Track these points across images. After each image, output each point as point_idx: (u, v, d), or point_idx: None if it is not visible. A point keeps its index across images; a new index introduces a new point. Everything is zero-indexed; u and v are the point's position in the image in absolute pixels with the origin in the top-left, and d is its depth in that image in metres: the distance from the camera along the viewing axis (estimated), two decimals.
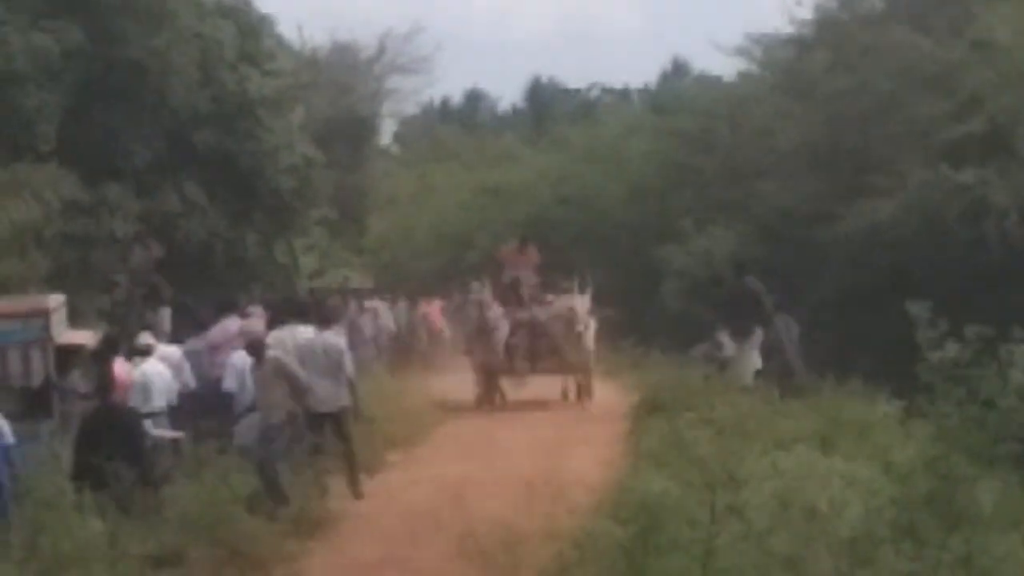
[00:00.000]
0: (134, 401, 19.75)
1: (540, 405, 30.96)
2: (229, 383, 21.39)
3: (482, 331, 31.42)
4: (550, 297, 32.37)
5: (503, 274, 33.61)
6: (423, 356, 39.61)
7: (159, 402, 20.54)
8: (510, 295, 32.48)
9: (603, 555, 12.83)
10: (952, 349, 11.27)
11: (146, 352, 21.21)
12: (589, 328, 30.50)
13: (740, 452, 14.48)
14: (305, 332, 22.10)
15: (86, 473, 16.27)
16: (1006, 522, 12.00)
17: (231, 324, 23.55)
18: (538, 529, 14.57)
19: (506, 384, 31.90)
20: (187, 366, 22.04)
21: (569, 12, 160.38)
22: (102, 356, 19.06)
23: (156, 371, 20.83)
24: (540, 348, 31.45)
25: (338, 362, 21.71)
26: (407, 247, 52.83)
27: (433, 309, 41.70)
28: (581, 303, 30.77)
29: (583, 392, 31.16)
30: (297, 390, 19.91)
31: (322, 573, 17.70)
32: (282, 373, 19.93)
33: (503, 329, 31.38)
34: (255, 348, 20.31)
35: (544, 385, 31.65)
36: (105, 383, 17.98)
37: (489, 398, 31.42)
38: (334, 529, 20.02)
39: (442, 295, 43.98)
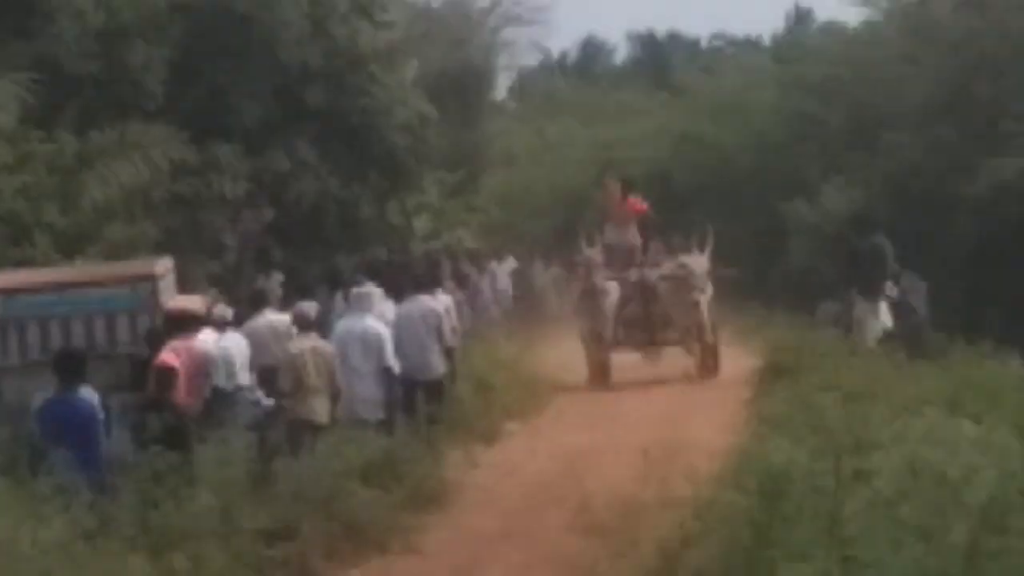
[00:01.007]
0: (218, 378, 19.93)
1: (660, 381, 29.08)
2: None
3: (588, 297, 29.05)
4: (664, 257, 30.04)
5: (606, 232, 30.93)
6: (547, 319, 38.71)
7: (242, 377, 20.49)
8: (616, 257, 29.91)
9: (726, 524, 12.79)
10: None
11: (225, 325, 21.23)
12: (707, 292, 28.27)
13: (867, 416, 14.68)
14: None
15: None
16: None
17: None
18: (658, 499, 14.44)
19: (616, 360, 29.52)
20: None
21: None
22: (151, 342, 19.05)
23: (236, 344, 20.76)
24: (654, 317, 29.22)
25: (435, 327, 22.30)
26: (523, 206, 52.96)
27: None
28: (698, 263, 28.59)
29: (705, 368, 28.92)
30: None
31: (439, 547, 17.76)
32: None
33: (613, 295, 28.85)
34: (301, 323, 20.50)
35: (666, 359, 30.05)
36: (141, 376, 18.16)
37: (601, 375, 28.99)
38: (451, 501, 20.17)
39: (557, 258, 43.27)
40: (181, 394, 18.21)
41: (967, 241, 29.46)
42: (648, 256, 29.95)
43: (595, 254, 29.98)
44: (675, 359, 29.63)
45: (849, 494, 11.70)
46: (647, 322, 29.14)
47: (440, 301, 23.70)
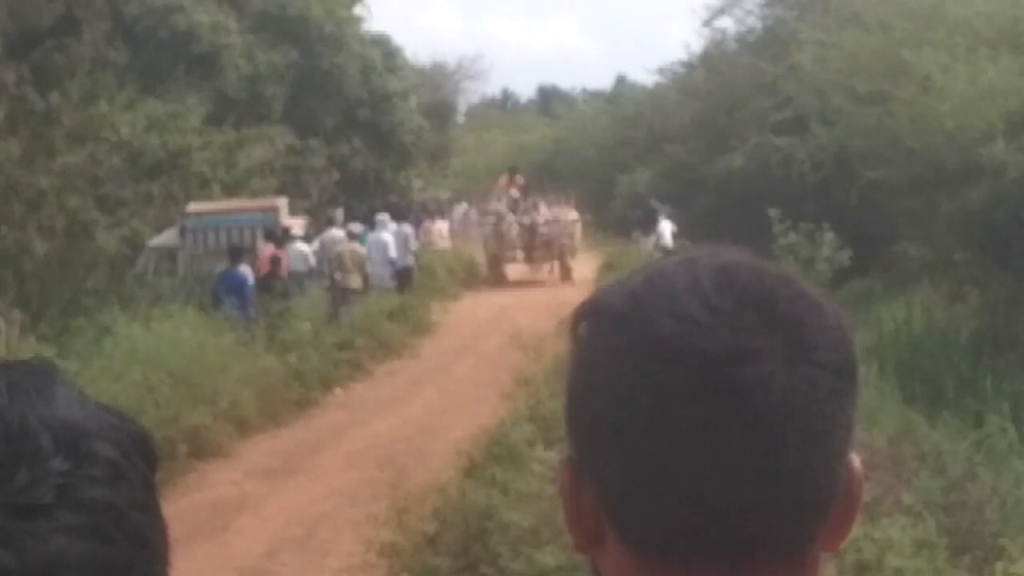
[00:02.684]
0: (294, 264, 21.79)
1: (538, 281, 30.25)
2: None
3: (497, 232, 31.06)
4: (545, 208, 32.10)
5: (500, 193, 33.66)
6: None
7: (300, 266, 22.17)
8: (512, 207, 31.81)
9: None
10: None
11: (293, 237, 22.88)
12: (573, 230, 30.77)
13: None
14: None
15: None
16: None
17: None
18: (554, 330, 16.60)
19: (509, 269, 31.61)
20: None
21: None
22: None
23: (298, 248, 22.53)
24: (535, 243, 31.03)
25: (405, 239, 25.39)
26: (469, 178, 57.15)
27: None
28: (567, 212, 31.35)
29: (565, 272, 30.59)
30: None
31: (428, 354, 20.60)
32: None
33: (513, 231, 30.95)
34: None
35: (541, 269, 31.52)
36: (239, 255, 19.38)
37: (497, 277, 31.10)
38: (434, 331, 22.92)
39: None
40: (283, 271, 20.57)
41: (710, 204, 31.36)
42: (527, 205, 31.98)
43: (502, 207, 32.21)
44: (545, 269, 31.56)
45: None
46: (530, 247, 31.22)
47: (406, 227, 26.46)
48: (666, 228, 28.23)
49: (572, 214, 31.07)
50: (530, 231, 30.93)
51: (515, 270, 31.65)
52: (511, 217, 31.15)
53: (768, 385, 1.08)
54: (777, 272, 1.16)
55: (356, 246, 22.57)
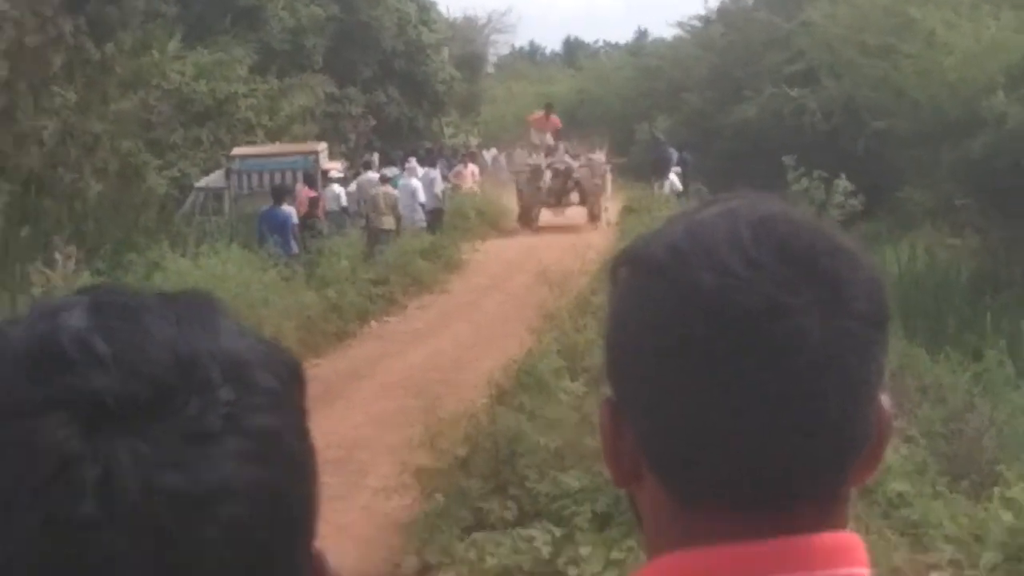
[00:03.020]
0: (328, 205, 21.91)
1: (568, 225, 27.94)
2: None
3: (532, 183, 28.51)
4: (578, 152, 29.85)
5: (532, 135, 31.23)
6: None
7: (333, 206, 22.33)
8: (548, 152, 29.41)
9: None
10: None
11: (331, 179, 23.22)
12: (606, 174, 28.55)
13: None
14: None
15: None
16: None
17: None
18: (579, 269, 15.00)
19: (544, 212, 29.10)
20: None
21: None
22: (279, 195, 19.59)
23: (332, 190, 22.72)
24: (568, 188, 28.91)
25: (431, 182, 24.93)
26: (498, 125, 56.34)
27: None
28: (598, 157, 29.00)
29: (593, 217, 28.44)
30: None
31: (458, 290, 20.36)
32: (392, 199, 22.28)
33: (547, 176, 28.42)
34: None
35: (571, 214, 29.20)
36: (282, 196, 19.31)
37: (529, 221, 28.52)
38: (464, 268, 22.54)
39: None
40: (321, 211, 20.74)
41: (726, 151, 31.18)
42: (559, 151, 29.59)
43: (539, 159, 29.59)
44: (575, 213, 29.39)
45: None
46: (561, 192, 28.90)
47: (432, 172, 26.06)
48: (673, 175, 28.07)
49: (602, 158, 28.94)
50: (563, 176, 28.79)
51: (544, 215, 29.71)
52: (547, 170, 28.64)
53: (806, 339, 1.07)
54: (814, 224, 1.15)
55: (389, 189, 22.55)
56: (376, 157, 26.13)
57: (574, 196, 28.72)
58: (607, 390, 1.18)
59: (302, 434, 0.92)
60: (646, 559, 1.18)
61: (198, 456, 0.84)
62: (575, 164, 28.65)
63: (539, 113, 31.60)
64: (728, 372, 1.08)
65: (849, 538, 1.13)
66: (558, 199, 29.01)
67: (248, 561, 0.86)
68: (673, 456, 1.12)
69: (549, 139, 29.89)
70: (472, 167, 33.02)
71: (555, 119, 30.94)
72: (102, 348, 0.86)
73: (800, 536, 1.11)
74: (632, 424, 1.14)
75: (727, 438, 1.09)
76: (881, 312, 1.13)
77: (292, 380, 0.93)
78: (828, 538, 1.11)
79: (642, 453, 1.14)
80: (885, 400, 1.14)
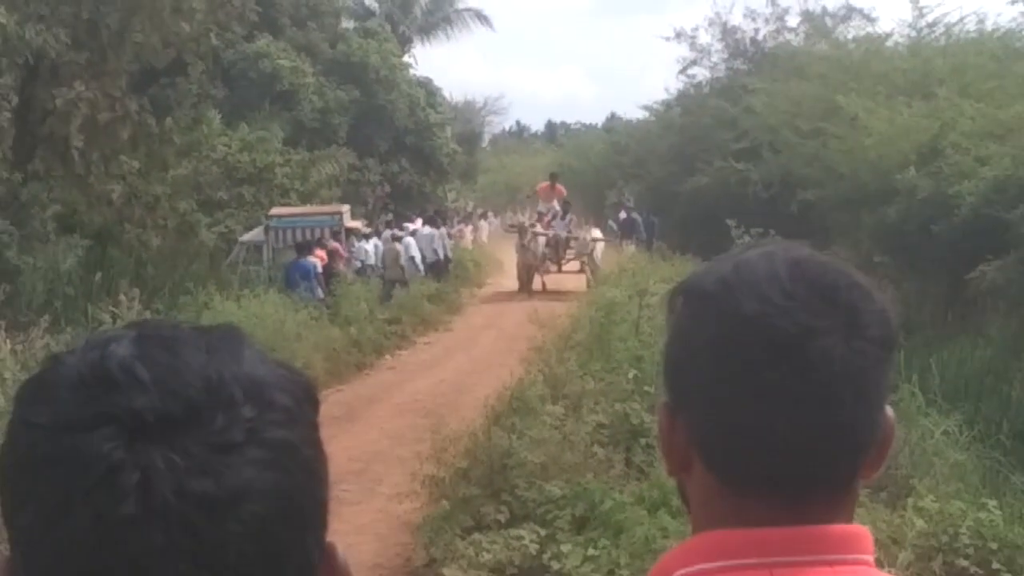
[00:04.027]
0: (361, 259, 22.06)
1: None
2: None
3: (521, 244, 25.68)
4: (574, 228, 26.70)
5: (539, 203, 28.99)
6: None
7: (367, 260, 22.60)
8: (543, 220, 26.93)
9: (591, 323, 12.94)
10: None
11: (360, 236, 23.21)
12: (597, 248, 25.40)
13: (645, 274, 16.07)
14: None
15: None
16: None
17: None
18: (566, 314, 15.23)
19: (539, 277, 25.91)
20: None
21: None
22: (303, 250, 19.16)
23: (364, 247, 22.96)
24: (560, 254, 26.16)
25: (433, 239, 24.44)
26: (494, 193, 57.03)
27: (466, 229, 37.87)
28: (591, 232, 25.94)
29: (587, 280, 23.74)
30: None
31: (459, 329, 20.18)
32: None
33: (541, 241, 25.68)
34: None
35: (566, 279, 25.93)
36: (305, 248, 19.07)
37: (527, 286, 25.38)
38: (463, 310, 22.46)
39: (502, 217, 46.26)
40: (340, 263, 20.27)
41: (682, 214, 30.43)
42: (567, 220, 27.10)
43: (527, 220, 28.69)
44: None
45: (640, 310, 12.23)
46: (556, 256, 26.24)
47: (441, 231, 25.85)
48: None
49: (595, 232, 26.32)
50: (557, 244, 26.17)
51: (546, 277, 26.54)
52: (536, 236, 25.79)
53: (831, 356, 1.13)
54: (837, 265, 1.20)
55: (397, 246, 22.71)
56: (389, 218, 25.80)
57: (573, 264, 26.22)
58: (663, 396, 1.23)
59: (314, 444, 0.92)
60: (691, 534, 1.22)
61: (223, 464, 0.85)
62: (563, 235, 26.29)
63: (545, 183, 29.65)
64: (766, 381, 1.13)
65: (859, 529, 1.18)
66: (557, 265, 26.53)
67: (266, 552, 0.86)
68: (720, 450, 1.17)
69: (556, 206, 27.82)
70: (470, 226, 33.12)
71: (560, 188, 28.95)
72: (143, 373, 0.87)
73: (817, 526, 1.15)
74: (685, 423, 1.20)
75: (764, 435, 1.14)
76: (890, 337, 1.18)
77: (306, 399, 0.94)
78: (841, 528, 1.16)
79: (692, 445, 1.19)
80: (888, 411, 1.19)
